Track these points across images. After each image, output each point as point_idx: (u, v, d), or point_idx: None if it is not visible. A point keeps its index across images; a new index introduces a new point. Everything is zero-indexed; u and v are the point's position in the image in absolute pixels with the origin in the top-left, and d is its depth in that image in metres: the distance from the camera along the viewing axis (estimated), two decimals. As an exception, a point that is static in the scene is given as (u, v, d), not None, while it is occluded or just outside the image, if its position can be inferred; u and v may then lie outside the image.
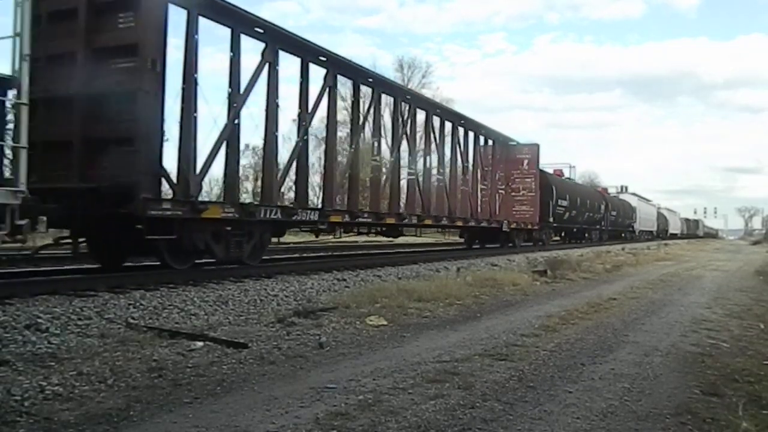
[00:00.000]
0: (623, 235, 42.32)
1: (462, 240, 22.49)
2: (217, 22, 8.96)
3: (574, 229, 31.32)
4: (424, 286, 8.16)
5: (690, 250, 30.33)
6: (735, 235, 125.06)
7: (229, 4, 8.86)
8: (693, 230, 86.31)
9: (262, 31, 9.65)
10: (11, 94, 5.92)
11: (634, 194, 52.30)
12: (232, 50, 9.27)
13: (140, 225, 7.71)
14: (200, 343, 4.69)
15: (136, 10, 7.65)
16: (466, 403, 3.46)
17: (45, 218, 6.24)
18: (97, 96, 7.68)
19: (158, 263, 8.71)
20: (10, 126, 5.89)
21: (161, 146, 8.07)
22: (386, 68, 56.88)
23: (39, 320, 5.10)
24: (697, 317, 7.03)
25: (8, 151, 5.32)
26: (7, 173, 5.60)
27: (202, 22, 8.57)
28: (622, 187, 58.72)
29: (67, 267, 9.08)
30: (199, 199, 8.89)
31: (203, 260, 9.48)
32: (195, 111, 8.50)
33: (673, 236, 60.90)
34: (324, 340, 5.03)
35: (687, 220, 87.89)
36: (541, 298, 8.46)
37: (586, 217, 31.52)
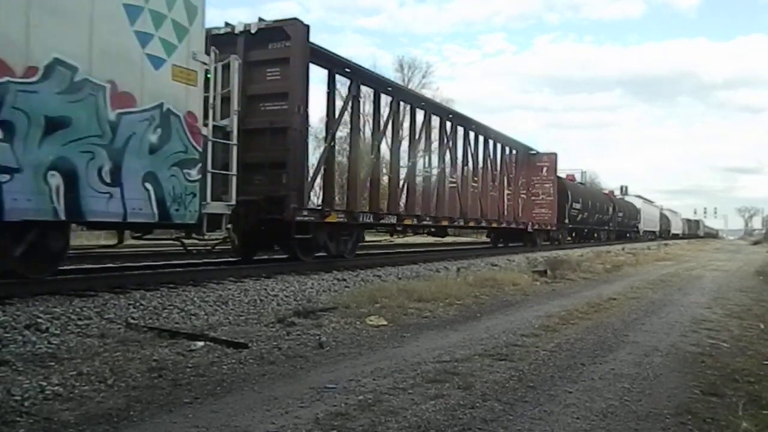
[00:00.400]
0: (628, 235, 44.42)
1: (488, 239, 25.03)
2: (320, 66, 11.16)
3: (585, 230, 33.92)
4: (424, 286, 8.16)
5: (690, 250, 30.32)
6: (735, 235, 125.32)
7: (330, 52, 11.25)
8: (694, 230, 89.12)
9: (349, 70, 11.98)
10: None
11: (638, 196, 55.10)
12: (328, 87, 11.63)
13: (265, 227, 10.32)
14: (200, 343, 4.68)
15: (287, 67, 10.22)
16: (466, 403, 3.46)
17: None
18: (252, 131, 10.03)
19: (285, 257, 11.39)
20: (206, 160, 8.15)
21: (304, 169, 10.69)
22: (386, 68, 57.01)
23: (39, 320, 5.09)
24: (697, 317, 7.03)
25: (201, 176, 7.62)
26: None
27: (311, 67, 10.68)
28: (622, 187, 59.24)
29: (66, 267, 9.08)
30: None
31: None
32: (306, 138, 10.88)
33: (675, 236, 63.14)
34: (324, 340, 5.03)
35: (688, 220, 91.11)
36: (541, 298, 8.46)
37: (596, 219, 34.30)
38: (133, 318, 5.64)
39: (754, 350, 5.16)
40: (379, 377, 3.99)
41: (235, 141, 8.28)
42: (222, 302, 6.74)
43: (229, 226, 8.33)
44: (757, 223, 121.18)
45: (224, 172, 8.16)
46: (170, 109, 6.92)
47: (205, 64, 7.55)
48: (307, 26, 10.25)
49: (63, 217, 5.91)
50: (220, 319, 5.98)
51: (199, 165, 7.39)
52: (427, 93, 36.55)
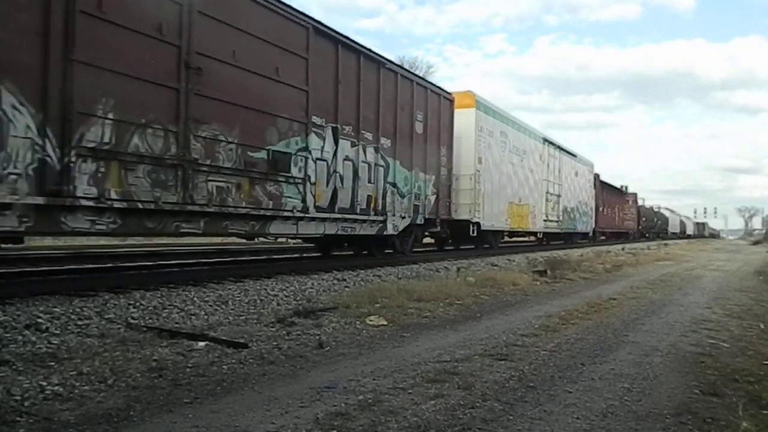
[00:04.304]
0: (660, 235, 63.70)
1: (603, 237, 39.86)
2: (598, 180, 33.20)
3: (643, 232, 53.83)
4: (424, 286, 8.16)
5: (690, 251, 30.32)
6: (735, 235, 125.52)
7: (597, 175, 34.52)
8: (701, 231, 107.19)
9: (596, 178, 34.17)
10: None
11: (667, 209, 79.66)
12: (596, 186, 33.45)
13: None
14: (200, 343, 4.69)
15: (591, 181, 34.06)
16: (466, 403, 3.46)
17: None
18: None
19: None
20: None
21: (596, 214, 35.05)
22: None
23: (39, 320, 5.09)
24: (697, 317, 7.03)
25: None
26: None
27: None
28: (622, 187, 60.20)
29: (66, 267, 9.09)
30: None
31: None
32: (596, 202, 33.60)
33: (689, 236, 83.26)
34: (324, 340, 5.03)
35: (697, 223, 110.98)
36: (541, 298, 8.46)
37: (648, 225, 57.85)
38: (133, 318, 5.63)
39: (754, 350, 5.16)
40: (379, 377, 3.99)
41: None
42: (222, 302, 6.74)
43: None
44: (757, 223, 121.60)
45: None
46: (590, 204, 31.83)
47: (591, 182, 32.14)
48: (598, 174, 34.11)
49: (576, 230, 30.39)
50: (220, 318, 5.98)
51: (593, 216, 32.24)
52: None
